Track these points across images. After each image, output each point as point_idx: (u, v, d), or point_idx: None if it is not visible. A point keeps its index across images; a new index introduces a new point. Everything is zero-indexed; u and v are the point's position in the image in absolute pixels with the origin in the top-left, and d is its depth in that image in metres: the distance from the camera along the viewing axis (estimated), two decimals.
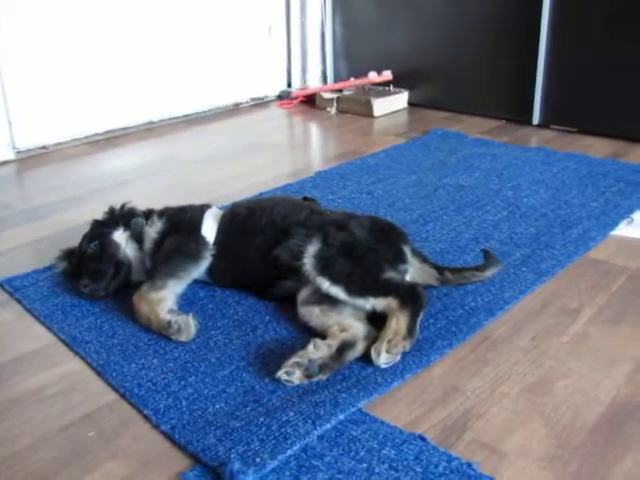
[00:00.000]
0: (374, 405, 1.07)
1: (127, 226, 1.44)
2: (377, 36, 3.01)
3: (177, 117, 2.84)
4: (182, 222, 1.41)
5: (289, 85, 3.23)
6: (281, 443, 0.97)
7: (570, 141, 2.44)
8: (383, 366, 1.13)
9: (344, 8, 3.09)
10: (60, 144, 2.50)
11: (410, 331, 1.17)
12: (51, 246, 1.64)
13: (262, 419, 1.03)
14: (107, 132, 2.62)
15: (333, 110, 2.91)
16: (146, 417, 1.06)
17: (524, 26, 2.53)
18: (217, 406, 1.07)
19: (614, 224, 1.70)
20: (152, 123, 2.75)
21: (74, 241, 1.48)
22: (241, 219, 1.41)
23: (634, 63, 2.31)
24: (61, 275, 1.47)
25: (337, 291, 1.23)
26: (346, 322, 1.20)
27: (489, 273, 1.36)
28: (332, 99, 2.92)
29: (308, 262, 1.28)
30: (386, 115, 2.87)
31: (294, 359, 1.11)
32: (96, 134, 2.59)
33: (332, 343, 1.14)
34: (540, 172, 2.09)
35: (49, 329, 1.32)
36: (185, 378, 1.15)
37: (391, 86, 2.96)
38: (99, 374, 1.17)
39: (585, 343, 1.23)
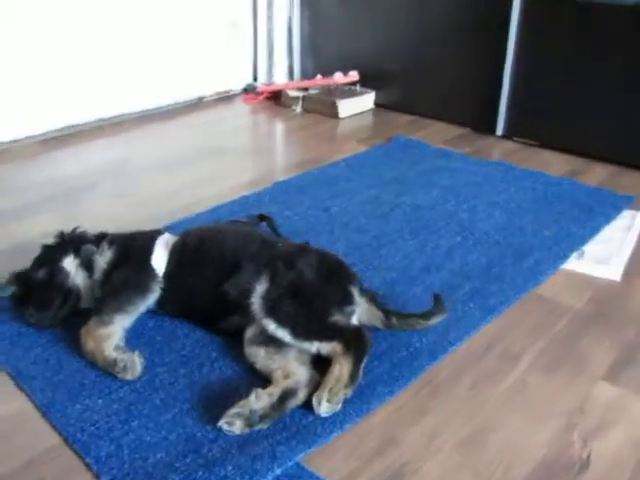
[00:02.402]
0: (312, 457, 1.09)
1: (77, 253, 1.43)
2: (345, 33, 2.99)
3: (137, 112, 2.79)
4: (132, 252, 1.41)
5: (255, 79, 3.19)
6: None
7: (530, 155, 2.47)
8: (324, 415, 1.15)
9: (312, 4, 3.06)
10: (15, 142, 2.45)
11: (352, 378, 1.19)
12: (1, 264, 1.62)
13: (201, 472, 1.05)
14: (61, 129, 2.56)
15: (298, 109, 2.90)
16: (88, 465, 1.07)
17: (492, 35, 2.52)
18: (158, 456, 1.09)
19: (565, 257, 1.74)
20: (111, 118, 2.70)
21: (23, 259, 1.46)
22: (191, 249, 1.42)
23: (598, 80, 2.33)
24: (10, 300, 1.45)
25: (283, 334, 1.25)
26: (290, 367, 1.22)
27: (433, 322, 1.38)
28: (298, 98, 2.90)
29: (256, 302, 1.29)
30: (351, 116, 2.86)
31: (235, 409, 1.12)
32: (50, 131, 2.53)
33: (274, 392, 1.16)
34: (497, 192, 2.11)
35: None
36: (128, 422, 1.16)
37: (358, 86, 2.95)
38: (43, 415, 1.18)
39: (522, 393, 1.26)
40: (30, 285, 1.41)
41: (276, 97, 3.03)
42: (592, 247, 1.80)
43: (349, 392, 1.18)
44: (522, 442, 1.14)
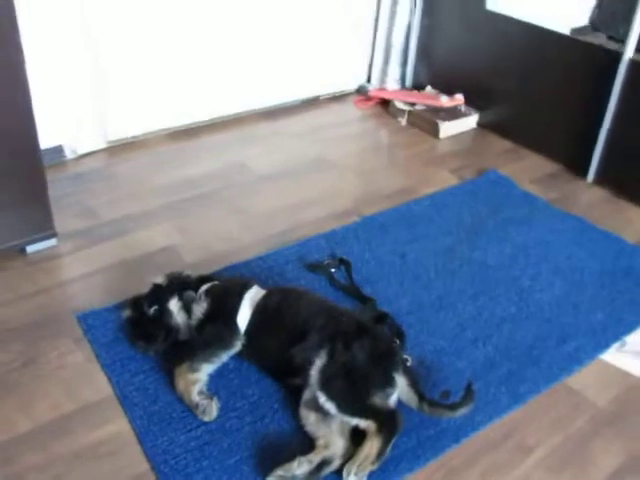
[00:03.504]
0: None
1: (180, 296, 1.76)
2: (460, 48, 3.09)
3: (256, 109, 3.06)
4: (221, 308, 1.71)
5: (368, 80, 3.36)
6: None
7: (615, 210, 2.55)
8: None
9: (432, 14, 3.15)
10: (147, 134, 2.79)
11: (379, 456, 1.47)
12: (122, 276, 2.00)
13: None
14: (187, 125, 2.88)
15: (404, 122, 3.07)
16: None
17: (599, 75, 2.56)
18: None
19: (606, 345, 1.89)
20: (230, 115, 2.99)
21: (142, 272, 1.91)
22: (270, 313, 1.71)
23: None
24: (125, 322, 1.81)
25: (330, 407, 1.53)
26: (331, 438, 1.50)
27: (459, 414, 1.59)
28: (404, 111, 3.07)
29: (314, 374, 1.57)
30: (452, 136, 3.01)
31: (280, 471, 1.43)
32: (178, 126, 2.85)
33: (314, 460, 1.46)
34: (566, 256, 2.25)
35: (109, 379, 1.68)
36: (200, 461, 1.49)
37: (462, 106, 3.07)
38: (139, 441, 1.53)
39: None
40: (142, 317, 1.75)
41: (385, 103, 3.20)
42: (635, 337, 1.93)
43: (375, 467, 1.46)
44: None
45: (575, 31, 4.35)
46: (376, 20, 3.25)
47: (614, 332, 1.94)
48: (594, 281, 2.14)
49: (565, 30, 4.36)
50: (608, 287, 2.12)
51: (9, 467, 1.45)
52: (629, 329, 1.95)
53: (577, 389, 1.76)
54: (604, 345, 1.89)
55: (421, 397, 1.60)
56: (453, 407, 1.60)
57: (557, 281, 2.13)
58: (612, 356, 1.88)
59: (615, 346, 1.90)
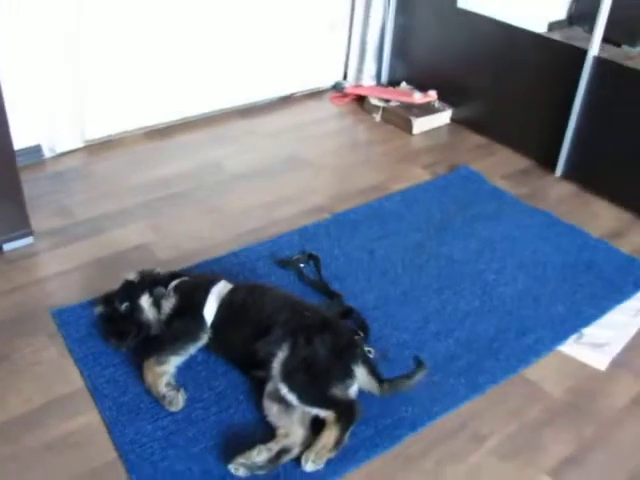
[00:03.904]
0: None
1: (151, 292, 1.82)
2: (433, 45, 3.16)
3: (231, 108, 3.11)
4: (189, 303, 1.78)
5: (345, 77, 3.41)
6: None
7: (581, 204, 2.62)
8: (308, 471, 1.51)
9: (406, 13, 3.21)
10: (124, 133, 2.84)
11: (337, 444, 1.53)
12: (96, 274, 2.07)
13: None
14: (164, 124, 2.94)
15: (378, 118, 3.13)
16: None
17: (567, 71, 2.62)
18: None
19: (564, 337, 1.96)
20: (205, 114, 3.05)
21: (118, 269, 1.94)
22: (235, 308, 1.77)
23: None
24: (97, 318, 1.87)
25: (292, 398, 1.59)
26: (291, 428, 1.57)
27: (416, 379, 1.67)
28: (379, 107, 3.13)
29: (276, 366, 1.64)
30: (426, 132, 3.07)
31: (242, 459, 1.49)
32: (154, 125, 2.91)
33: (273, 448, 1.52)
34: (531, 251, 2.31)
35: (81, 373, 1.74)
36: (166, 450, 1.55)
37: (437, 102, 3.13)
38: (108, 431, 1.60)
39: (474, 476, 1.56)
40: (114, 313, 1.81)
41: (361, 99, 3.26)
42: (593, 330, 2.00)
43: (333, 455, 1.53)
44: None
45: (552, 25, 4.42)
46: (351, 18, 3.30)
47: (573, 324, 2.01)
48: (556, 275, 2.21)
49: (543, 24, 4.43)
50: (570, 280, 2.19)
51: None
52: (588, 322, 2.02)
53: (534, 380, 1.83)
54: (562, 337, 1.96)
55: (380, 381, 1.67)
56: (409, 376, 1.68)
57: (521, 275, 2.20)
58: (570, 348, 1.94)
59: (573, 338, 1.97)
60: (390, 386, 1.68)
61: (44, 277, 2.06)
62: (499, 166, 2.83)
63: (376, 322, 1.95)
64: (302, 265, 2.14)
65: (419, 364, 1.70)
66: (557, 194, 2.69)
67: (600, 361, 1.89)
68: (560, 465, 1.60)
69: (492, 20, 2.87)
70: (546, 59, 2.72)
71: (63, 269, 2.09)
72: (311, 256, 2.16)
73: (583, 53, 2.55)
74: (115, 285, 1.86)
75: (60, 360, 1.78)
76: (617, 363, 1.89)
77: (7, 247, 2.13)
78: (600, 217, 2.54)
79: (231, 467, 1.49)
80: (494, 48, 2.91)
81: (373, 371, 1.69)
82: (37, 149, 2.61)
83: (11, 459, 1.51)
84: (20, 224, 2.12)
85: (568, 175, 2.75)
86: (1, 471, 1.49)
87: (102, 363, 1.77)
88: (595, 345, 1.95)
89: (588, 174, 2.68)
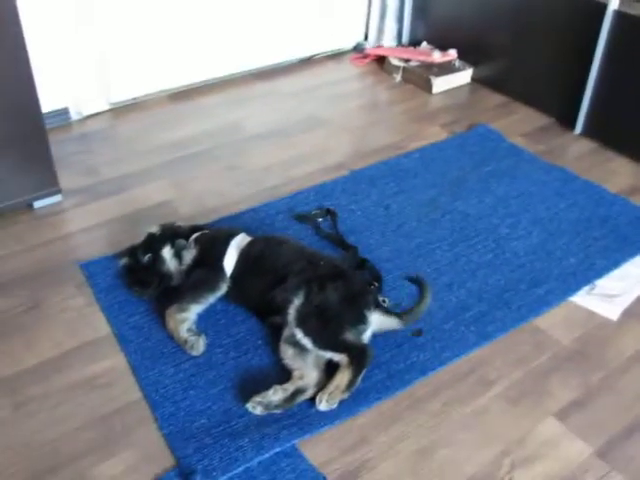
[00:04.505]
0: (304, 442, 1.54)
1: (172, 244, 1.90)
2: (454, 4, 3.14)
3: (252, 70, 3.15)
4: (209, 254, 1.85)
5: (365, 38, 3.43)
6: (232, 463, 1.47)
7: (600, 161, 2.62)
8: (322, 410, 1.59)
9: None
10: (147, 96, 2.91)
11: (349, 386, 1.60)
12: (121, 229, 2.15)
13: (226, 440, 1.52)
14: (186, 86, 3.00)
15: (398, 78, 3.15)
16: (155, 419, 1.58)
17: (586, 26, 2.61)
18: (202, 421, 1.57)
19: (576, 289, 1.99)
20: (226, 76, 3.09)
21: (142, 224, 2.02)
22: (253, 258, 1.84)
23: None
24: (122, 269, 1.96)
25: (306, 342, 1.66)
26: (306, 370, 1.64)
27: (428, 299, 1.80)
28: (399, 67, 3.14)
29: (292, 312, 1.71)
30: (446, 91, 3.08)
31: (259, 398, 1.58)
32: (177, 87, 2.97)
33: (289, 388, 1.60)
34: (546, 207, 2.34)
35: (107, 320, 1.84)
36: (187, 390, 1.64)
37: (457, 61, 3.13)
38: (133, 374, 1.69)
39: (481, 417, 1.62)
40: (138, 264, 1.90)
41: (381, 60, 3.28)
42: (605, 282, 2.03)
43: (345, 396, 1.60)
44: (462, 460, 1.52)
45: None
46: None
47: (585, 276, 2.04)
48: (570, 230, 2.23)
49: None
50: (584, 234, 2.21)
51: (14, 397, 1.62)
52: (600, 273, 2.05)
53: (543, 328, 1.87)
54: (574, 288, 2.00)
55: (398, 315, 1.75)
56: (420, 300, 1.80)
57: (535, 229, 2.23)
58: (581, 299, 1.98)
59: (585, 289, 2.01)
60: (408, 315, 1.77)
61: (72, 232, 2.16)
62: (518, 124, 2.84)
63: (390, 274, 2.01)
64: (320, 220, 2.20)
65: (419, 283, 1.81)
66: (576, 151, 2.69)
67: (611, 311, 1.93)
68: (566, 408, 1.65)
69: None
70: (566, 15, 2.71)
71: (89, 225, 2.18)
72: (329, 211, 2.22)
73: (603, 7, 2.53)
74: (139, 239, 1.94)
75: (88, 309, 1.87)
76: (628, 313, 1.93)
77: (37, 204, 2.22)
78: (619, 174, 2.55)
79: (249, 405, 1.57)
80: (514, 5, 2.89)
81: (388, 311, 1.76)
82: (64, 112, 2.69)
83: (43, 397, 1.62)
84: (49, 183, 2.21)
85: (588, 132, 2.75)
86: (34, 408, 1.59)
87: (127, 311, 1.86)
88: (607, 296, 1.98)
89: (608, 131, 2.68)
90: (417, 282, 1.78)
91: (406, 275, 1.85)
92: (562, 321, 1.90)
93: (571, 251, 2.14)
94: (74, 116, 2.74)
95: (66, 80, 2.64)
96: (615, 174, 2.54)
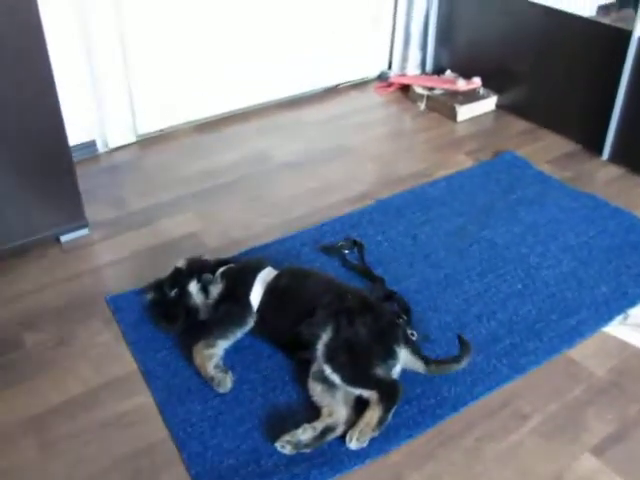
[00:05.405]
0: None
1: (199, 279, 1.90)
2: (477, 32, 3.15)
3: (277, 99, 3.17)
4: (236, 288, 1.84)
5: (389, 67, 3.43)
6: None
7: (630, 187, 2.58)
8: (353, 449, 1.56)
9: (450, 0, 3.20)
10: (174, 127, 2.93)
11: (380, 423, 1.57)
12: (148, 262, 2.15)
13: None
14: (212, 117, 3.02)
15: (423, 106, 3.15)
16: (182, 459, 1.56)
17: (612, 49, 2.60)
18: (230, 461, 1.55)
19: (609, 319, 1.95)
20: (253, 106, 3.11)
21: (167, 258, 2.03)
22: (280, 292, 1.82)
23: None
24: (148, 304, 1.95)
25: (335, 378, 1.64)
26: (335, 407, 1.61)
27: (464, 364, 1.71)
28: (423, 96, 3.14)
29: (320, 348, 1.69)
30: (470, 119, 3.07)
31: (288, 437, 1.55)
32: (203, 118, 2.99)
33: (318, 427, 1.57)
34: (576, 234, 2.30)
35: (134, 356, 1.83)
36: (215, 429, 1.62)
37: (481, 89, 3.12)
38: (160, 411, 1.68)
39: (515, 453, 1.58)
40: (164, 299, 1.89)
41: (406, 88, 3.28)
42: (639, 311, 1.99)
43: (376, 434, 1.57)
44: None
45: (601, 8, 4.33)
46: (395, 7, 3.31)
47: (618, 305, 2.00)
48: (601, 257, 2.19)
49: (592, 8, 4.35)
50: (615, 262, 2.17)
51: (40, 436, 1.61)
52: (633, 302, 2.01)
53: (577, 360, 1.83)
54: (607, 318, 1.95)
55: (427, 361, 1.71)
56: (457, 359, 1.71)
57: (565, 258, 2.19)
58: (614, 329, 1.94)
59: (618, 319, 1.96)
60: (437, 368, 1.71)
61: (99, 266, 2.16)
62: (544, 151, 2.81)
63: (419, 305, 1.99)
64: (346, 251, 2.18)
65: (464, 344, 1.72)
66: (604, 177, 2.66)
67: None
68: (604, 443, 1.61)
69: (536, 5, 2.84)
70: (591, 42, 2.69)
71: (117, 258, 2.19)
72: (355, 242, 2.20)
73: (628, 34, 2.51)
74: (165, 272, 1.94)
75: (115, 344, 1.86)
76: None
77: (64, 238, 2.23)
78: None
79: (277, 445, 1.55)
80: (537, 33, 2.88)
81: (417, 350, 1.73)
82: (92, 144, 2.72)
83: (70, 436, 1.61)
84: (76, 216, 2.22)
85: (615, 158, 2.72)
86: (61, 447, 1.58)
87: (154, 347, 1.85)
88: None
89: (636, 156, 2.64)
90: (461, 342, 1.73)
91: (457, 332, 1.80)
92: (595, 352, 1.86)
93: (603, 279, 2.10)
94: (101, 148, 2.77)
95: (93, 113, 2.68)
96: None
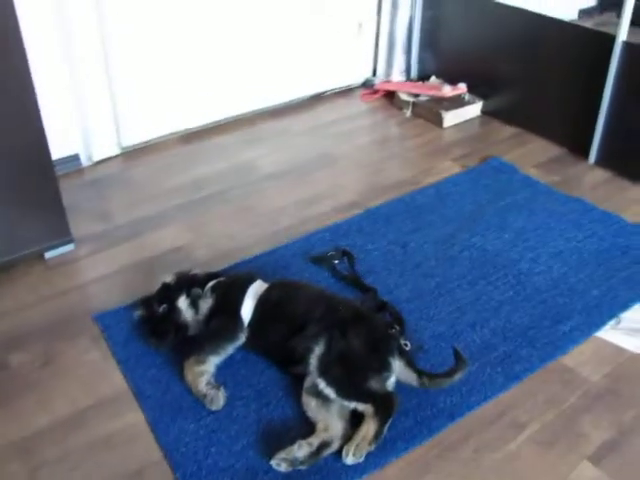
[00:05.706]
0: None
1: (188, 294, 1.87)
2: (462, 37, 3.15)
3: (262, 109, 3.15)
4: (226, 303, 1.81)
5: (374, 74, 3.42)
6: None
7: (617, 191, 2.58)
8: (349, 464, 1.54)
9: (434, 6, 3.20)
10: (159, 138, 2.90)
11: (376, 436, 1.55)
12: (136, 277, 2.12)
13: None
14: (197, 127, 3.00)
15: (408, 113, 3.14)
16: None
17: (597, 56, 2.60)
18: None
19: (602, 323, 1.94)
20: (238, 116, 3.09)
21: (155, 272, 2.02)
22: (271, 306, 1.80)
23: None
24: (137, 320, 1.92)
25: (329, 392, 1.61)
26: (330, 421, 1.59)
27: (457, 378, 1.68)
28: (409, 102, 3.13)
29: (313, 362, 1.66)
30: (456, 125, 3.06)
31: (283, 454, 1.52)
32: (188, 129, 2.97)
33: (313, 442, 1.55)
34: (566, 239, 2.30)
35: (124, 375, 1.80)
36: (209, 448, 1.59)
37: (467, 95, 3.12)
38: (152, 430, 1.64)
39: (513, 463, 1.57)
40: (153, 315, 1.86)
41: (391, 94, 3.27)
42: (631, 314, 1.98)
43: (372, 448, 1.55)
44: None
45: (583, 12, 4.36)
46: (379, 13, 3.30)
47: (610, 309, 1.99)
48: (591, 261, 2.19)
49: (573, 12, 4.38)
50: (605, 266, 2.17)
51: (29, 461, 1.56)
52: (625, 306, 2.00)
53: (571, 366, 1.82)
54: (599, 323, 1.95)
55: (420, 373, 1.68)
56: (450, 373, 1.68)
57: (555, 263, 2.19)
58: (607, 333, 1.93)
59: (610, 323, 1.96)
60: (430, 381, 1.69)
61: (85, 282, 2.13)
62: (531, 156, 2.81)
63: (411, 315, 1.97)
64: (336, 261, 2.16)
65: (459, 360, 1.69)
66: (591, 181, 2.66)
67: (638, 346, 1.88)
68: (601, 451, 1.59)
69: (520, 10, 2.85)
70: (575, 46, 2.70)
71: (103, 273, 2.15)
72: (345, 252, 2.18)
73: (612, 39, 2.52)
74: (154, 287, 1.91)
75: (103, 362, 1.83)
76: None
77: (49, 254, 2.19)
78: (636, 202, 2.51)
79: (273, 462, 1.52)
80: (522, 38, 2.89)
81: (411, 363, 1.71)
82: (75, 158, 2.68)
83: (59, 459, 1.57)
84: (61, 232, 2.18)
85: (601, 162, 2.72)
86: (49, 471, 1.54)
87: (144, 365, 1.82)
88: (633, 330, 1.93)
89: (622, 160, 2.65)
90: (457, 357, 1.70)
91: (452, 344, 1.78)
92: (590, 358, 1.85)
93: (593, 283, 2.09)
94: (85, 162, 2.73)
95: (76, 126, 2.64)
96: (632, 203, 2.51)
